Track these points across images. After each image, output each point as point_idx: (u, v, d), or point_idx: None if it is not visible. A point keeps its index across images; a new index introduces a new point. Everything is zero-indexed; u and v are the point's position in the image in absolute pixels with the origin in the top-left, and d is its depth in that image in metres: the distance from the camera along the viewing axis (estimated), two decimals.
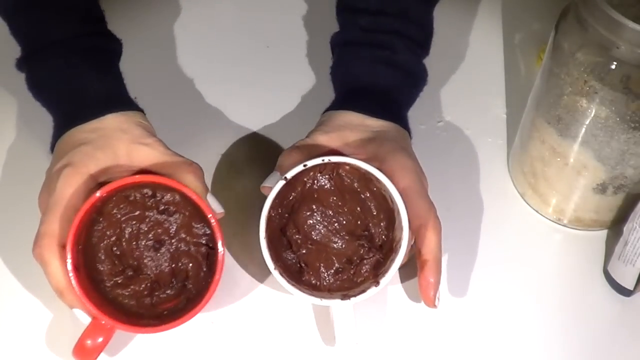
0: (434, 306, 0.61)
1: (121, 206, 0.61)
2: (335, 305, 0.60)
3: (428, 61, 0.73)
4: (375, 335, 0.64)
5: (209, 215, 0.59)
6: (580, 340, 0.64)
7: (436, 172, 0.66)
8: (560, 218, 0.71)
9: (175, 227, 0.62)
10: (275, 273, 0.60)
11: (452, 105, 0.79)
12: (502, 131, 0.77)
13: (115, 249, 0.61)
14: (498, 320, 0.65)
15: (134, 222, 0.61)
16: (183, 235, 0.62)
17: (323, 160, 0.60)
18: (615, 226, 0.69)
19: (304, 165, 0.60)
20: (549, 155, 0.67)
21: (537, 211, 0.72)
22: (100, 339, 0.58)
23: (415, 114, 0.72)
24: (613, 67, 0.59)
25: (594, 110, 0.61)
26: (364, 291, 0.60)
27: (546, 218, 0.71)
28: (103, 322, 0.58)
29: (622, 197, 0.67)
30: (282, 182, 0.59)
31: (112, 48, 0.71)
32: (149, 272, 0.61)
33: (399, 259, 0.60)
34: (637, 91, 0.59)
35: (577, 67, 0.61)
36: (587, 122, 0.62)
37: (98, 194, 0.58)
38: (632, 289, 0.65)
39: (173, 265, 0.61)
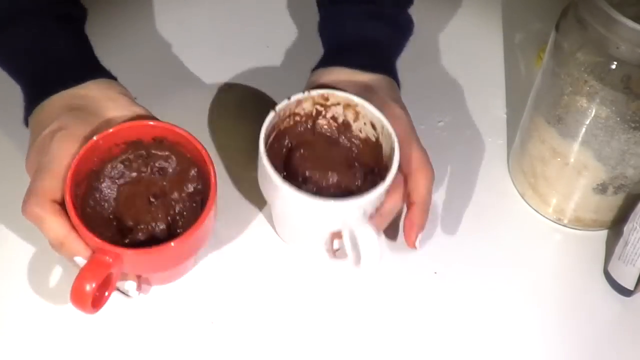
0: (414, 247, 0.61)
1: (115, 171, 0.61)
2: (351, 213, 0.59)
3: (428, 60, 0.73)
4: (371, 336, 0.64)
5: (202, 151, 0.59)
6: (580, 341, 0.64)
7: (436, 172, 0.65)
8: (560, 218, 0.71)
9: (169, 187, 0.62)
10: (281, 183, 0.59)
11: (452, 105, 0.78)
12: (502, 131, 0.77)
13: (110, 214, 0.61)
14: (497, 321, 0.65)
15: (129, 185, 0.62)
16: (177, 195, 0.62)
17: (305, 93, 0.63)
18: (616, 226, 0.68)
19: (288, 98, 0.63)
20: (549, 155, 0.67)
21: (537, 211, 0.71)
22: (94, 283, 0.55)
23: (415, 113, 0.70)
24: (613, 66, 0.59)
25: (594, 110, 0.61)
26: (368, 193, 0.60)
27: (546, 218, 0.71)
28: (107, 257, 0.56)
29: (623, 197, 0.67)
30: (272, 114, 0.62)
31: (81, 15, 0.70)
32: (145, 229, 0.61)
33: (396, 162, 0.60)
34: (637, 91, 0.59)
35: (578, 67, 0.61)
36: (587, 122, 0.62)
37: (95, 137, 0.58)
38: (632, 289, 0.65)
39: (170, 222, 0.62)
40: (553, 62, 0.63)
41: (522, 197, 0.72)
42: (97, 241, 0.56)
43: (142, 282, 0.63)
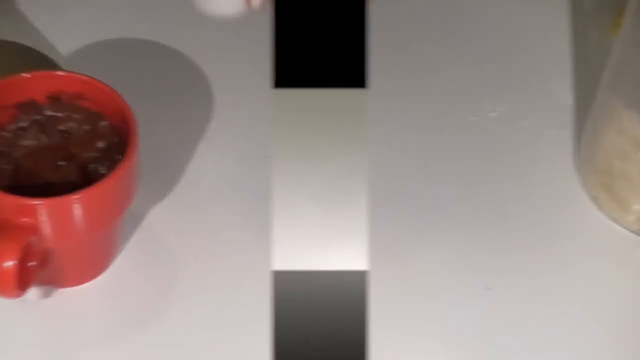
0: None
1: (8, 143, 0.59)
2: None
3: (476, 37, 0.71)
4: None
5: (113, 94, 0.58)
6: None
7: (489, 171, 0.66)
8: None
9: (79, 148, 0.59)
10: None
11: (507, 92, 0.74)
12: (569, 121, 0.72)
13: (9, 191, 0.58)
14: (562, 354, 0.59)
15: (28, 157, 0.59)
16: (89, 154, 0.60)
17: None
18: None
19: None
20: (630, 149, 0.62)
21: (614, 220, 0.66)
22: (14, 257, 0.51)
23: (464, 103, 0.70)
24: None
25: None
26: None
27: (626, 229, 0.65)
28: (24, 219, 0.53)
29: None
30: None
31: None
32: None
33: None
34: None
35: None
36: None
37: None
38: None
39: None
40: (636, 30, 0.59)
41: (595, 202, 0.67)
42: (11, 199, 0.53)
43: (56, 276, 0.59)
